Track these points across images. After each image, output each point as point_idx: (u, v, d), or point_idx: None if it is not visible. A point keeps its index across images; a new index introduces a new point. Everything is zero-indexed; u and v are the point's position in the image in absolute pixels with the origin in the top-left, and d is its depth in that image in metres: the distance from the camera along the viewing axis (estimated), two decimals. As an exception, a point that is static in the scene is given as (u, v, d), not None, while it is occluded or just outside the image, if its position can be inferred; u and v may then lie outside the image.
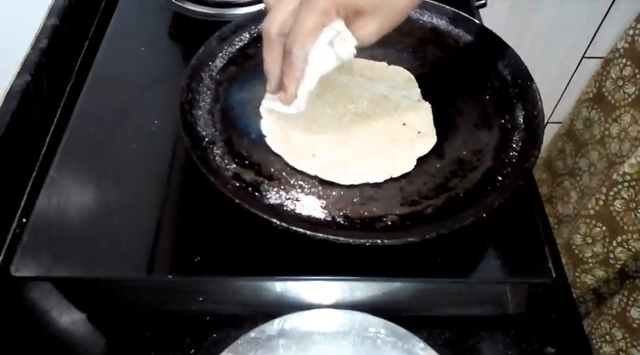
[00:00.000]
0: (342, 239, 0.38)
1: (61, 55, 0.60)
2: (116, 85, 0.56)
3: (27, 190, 0.52)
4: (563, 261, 0.66)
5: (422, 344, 0.41)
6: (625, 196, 0.56)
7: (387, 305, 0.46)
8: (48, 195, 0.46)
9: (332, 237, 0.38)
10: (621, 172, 0.55)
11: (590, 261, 0.63)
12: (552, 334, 0.44)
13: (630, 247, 0.57)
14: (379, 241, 0.39)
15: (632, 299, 0.58)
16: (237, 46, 0.55)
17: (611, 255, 0.59)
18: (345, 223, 0.42)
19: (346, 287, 0.45)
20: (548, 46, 1.14)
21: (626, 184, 0.55)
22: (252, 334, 0.42)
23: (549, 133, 0.84)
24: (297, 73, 0.40)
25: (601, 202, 0.58)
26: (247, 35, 0.56)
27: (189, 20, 0.63)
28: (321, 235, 0.38)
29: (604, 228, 0.59)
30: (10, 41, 0.56)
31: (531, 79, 0.50)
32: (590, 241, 0.62)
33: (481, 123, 0.50)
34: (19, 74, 0.54)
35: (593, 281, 0.64)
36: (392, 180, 0.45)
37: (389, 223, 0.42)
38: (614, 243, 0.58)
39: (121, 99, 0.54)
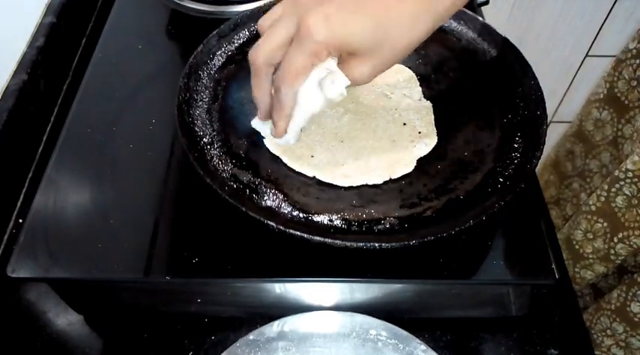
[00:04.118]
0: (339, 243, 0.38)
1: (58, 53, 0.60)
2: (113, 84, 0.55)
3: (24, 190, 0.51)
4: (564, 256, 0.66)
5: (423, 347, 0.41)
6: (627, 192, 0.55)
7: (388, 307, 0.45)
8: (45, 194, 0.46)
9: (329, 240, 0.38)
10: (623, 169, 0.55)
11: (590, 256, 0.62)
12: (555, 336, 0.44)
13: (632, 243, 0.57)
14: (377, 245, 0.38)
15: (631, 294, 0.58)
16: (237, 44, 0.54)
17: (612, 251, 0.59)
18: (344, 226, 0.41)
19: (346, 288, 0.45)
20: (551, 44, 1.13)
21: (628, 181, 0.55)
22: (251, 336, 0.42)
23: (554, 133, 0.84)
24: (287, 111, 0.39)
25: (602, 198, 0.58)
26: (247, 33, 0.55)
27: (188, 18, 0.62)
28: (318, 238, 0.38)
29: (605, 223, 0.59)
30: (7, 39, 0.56)
31: (534, 78, 0.49)
32: (590, 237, 0.61)
33: (483, 123, 0.49)
34: (16, 72, 0.53)
35: (593, 276, 0.64)
36: (391, 181, 0.45)
37: (387, 226, 0.41)
38: (615, 239, 0.58)
39: (119, 98, 0.54)
